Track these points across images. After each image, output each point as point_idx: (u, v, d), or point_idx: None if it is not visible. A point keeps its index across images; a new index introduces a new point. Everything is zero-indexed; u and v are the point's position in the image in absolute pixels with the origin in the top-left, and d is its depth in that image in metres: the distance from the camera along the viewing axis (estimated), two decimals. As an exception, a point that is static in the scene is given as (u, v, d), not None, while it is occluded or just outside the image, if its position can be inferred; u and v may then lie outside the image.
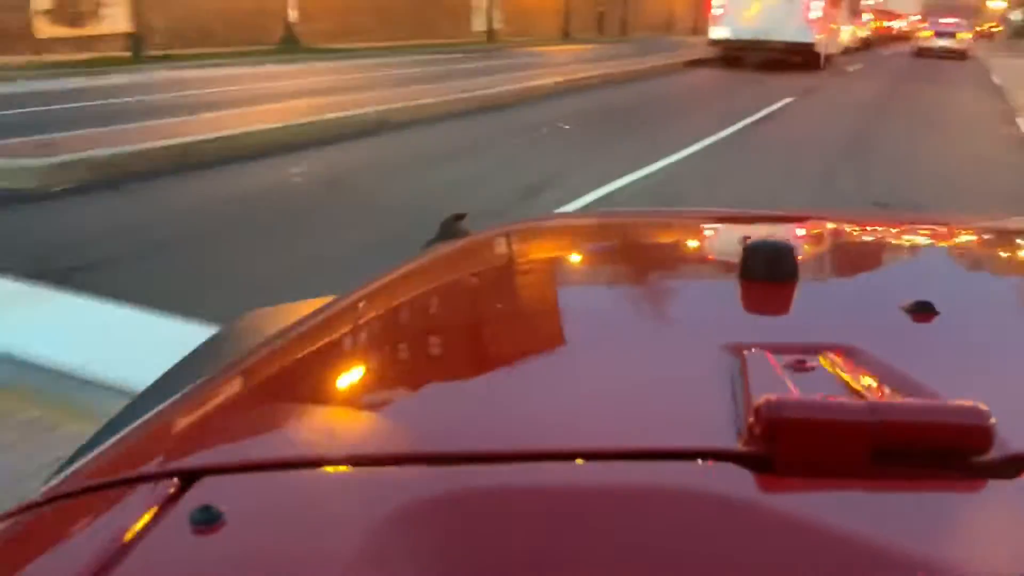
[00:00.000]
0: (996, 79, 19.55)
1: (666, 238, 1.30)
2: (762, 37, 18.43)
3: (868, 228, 1.34)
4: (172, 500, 0.53)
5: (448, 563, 0.45)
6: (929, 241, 1.26)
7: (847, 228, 1.30)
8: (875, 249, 1.22)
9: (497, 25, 31.71)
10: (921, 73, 20.72)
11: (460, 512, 0.49)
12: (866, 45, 33.01)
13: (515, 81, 13.02)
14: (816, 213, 1.42)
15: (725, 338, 0.70)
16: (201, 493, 0.53)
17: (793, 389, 0.58)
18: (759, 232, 1.14)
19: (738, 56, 19.40)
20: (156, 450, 0.68)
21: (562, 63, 18.07)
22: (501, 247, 1.24)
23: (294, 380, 0.79)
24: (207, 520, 0.49)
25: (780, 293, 0.84)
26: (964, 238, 1.25)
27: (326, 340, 0.90)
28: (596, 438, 0.57)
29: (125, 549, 0.49)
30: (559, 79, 13.82)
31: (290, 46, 20.06)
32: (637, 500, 0.50)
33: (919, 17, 53.32)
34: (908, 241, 1.26)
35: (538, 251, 1.25)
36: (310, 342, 0.89)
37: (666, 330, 0.84)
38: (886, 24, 41.84)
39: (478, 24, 30.59)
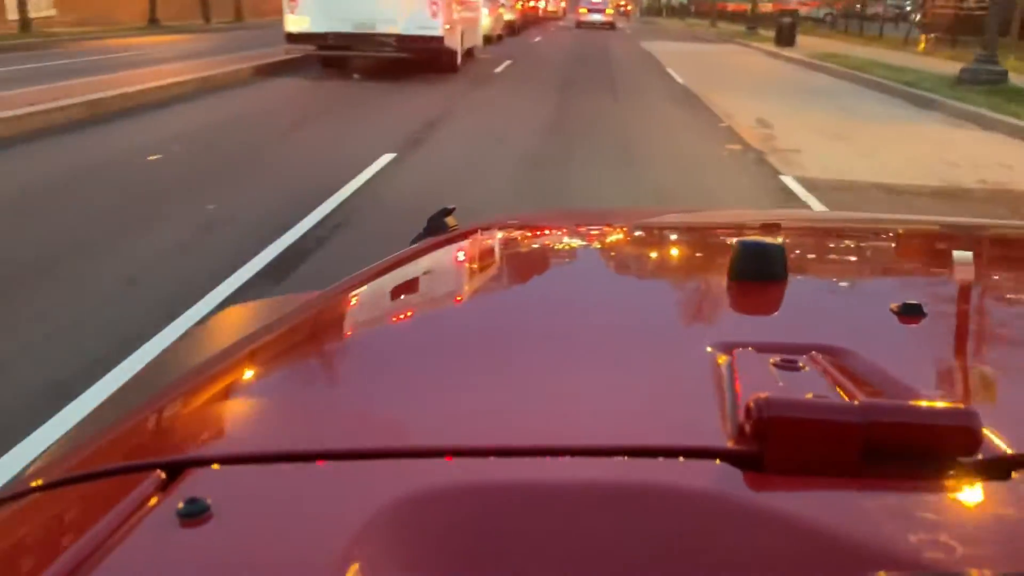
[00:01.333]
0: (677, 76, 15.12)
1: (656, 236, 1.31)
2: (366, 29, 12.33)
3: (858, 229, 1.36)
4: (158, 492, 0.52)
5: (435, 557, 0.45)
6: (918, 243, 1.29)
7: (837, 229, 1.35)
8: (864, 250, 1.24)
9: (47, 11, 23.13)
10: (589, 72, 15.83)
11: (448, 507, 0.49)
12: (513, 30, 28.46)
13: None
14: (807, 215, 1.69)
15: (715, 337, 0.70)
16: (188, 485, 0.52)
17: (783, 389, 0.58)
18: (748, 232, 1.11)
19: (341, 56, 13.20)
20: (142, 441, 0.68)
21: (73, 73, 10.75)
22: (489, 242, 1.23)
23: (281, 373, 0.79)
24: (194, 512, 0.48)
25: (770, 293, 0.85)
26: (953, 240, 1.28)
27: (313, 334, 0.90)
28: (585, 436, 0.57)
29: (111, 541, 0.48)
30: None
31: None
32: (627, 498, 0.50)
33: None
34: (897, 243, 1.29)
35: (527, 247, 1.24)
36: (297, 336, 0.88)
37: (656, 329, 0.82)
38: (532, 4, 37.89)
39: (16, 11, 21.67)
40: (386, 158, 6.76)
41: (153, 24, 26.24)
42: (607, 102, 11.35)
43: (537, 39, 26.89)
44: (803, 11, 47.53)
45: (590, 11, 40.01)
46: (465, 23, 14.42)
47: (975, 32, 20.02)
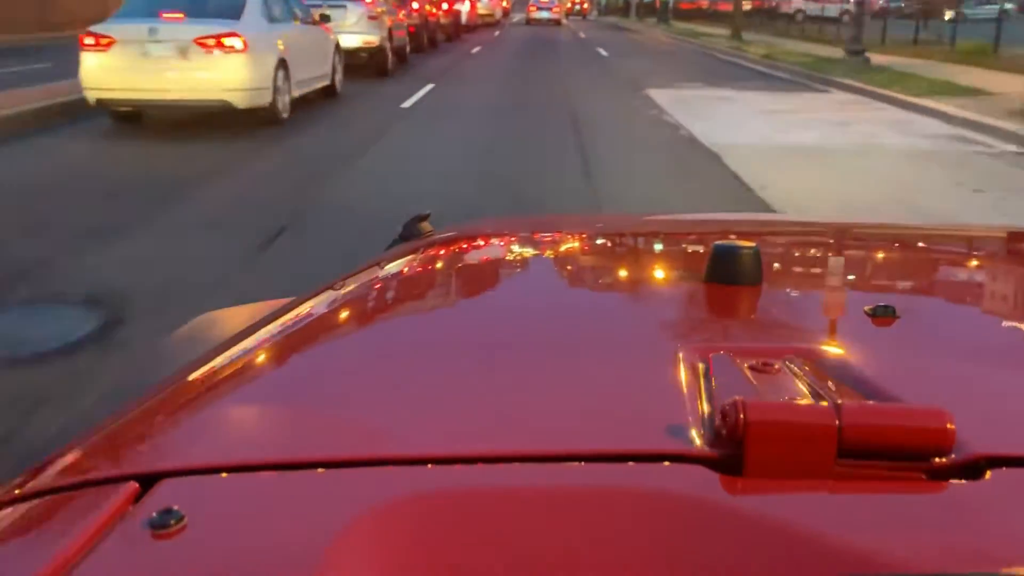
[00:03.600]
0: None
1: (633, 242, 1.31)
2: None
3: (833, 233, 1.38)
4: (131, 503, 0.52)
5: (409, 564, 0.45)
6: (891, 247, 1.29)
7: (812, 233, 1.38)
8: (839, 254, 1.25)
9: None
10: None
11: (426, 515, 0.49)
12: (404, 56, 14.50)
13: None
14: (781, 219, 1.48)
15: (691, 341, 0.71)
16: (161, 496, 0.52)
17: (759, 392, 0.59)
18: (725, 236, 1.10)
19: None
20: (115, 452, 0.67)
21: None
22: (465, 247, 1.22)
23: (254, 382, 0.78)
24: (167, 523, 0.48)
25: (746, 297, 0.85)
26: (926, 244, 1.30)
27: (287, 341, 0.88)
28: (564, 442, 0.57)
29: (84, 553, 0.48)
30: None
31: None
32: (606, 503, 0.50)
33: (495, -4, 43.62)
34: (871, 246, 1.29)
35: (503, 253, 1.23)
36: (270, 343, 0.87)
37: (633, 333, 0.82)
38: (447, 7, 23.57)
39: None
40: None
41: None
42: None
43: (426, 89, 12.57)
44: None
45: (539, 8, 43.02)
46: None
47: None
